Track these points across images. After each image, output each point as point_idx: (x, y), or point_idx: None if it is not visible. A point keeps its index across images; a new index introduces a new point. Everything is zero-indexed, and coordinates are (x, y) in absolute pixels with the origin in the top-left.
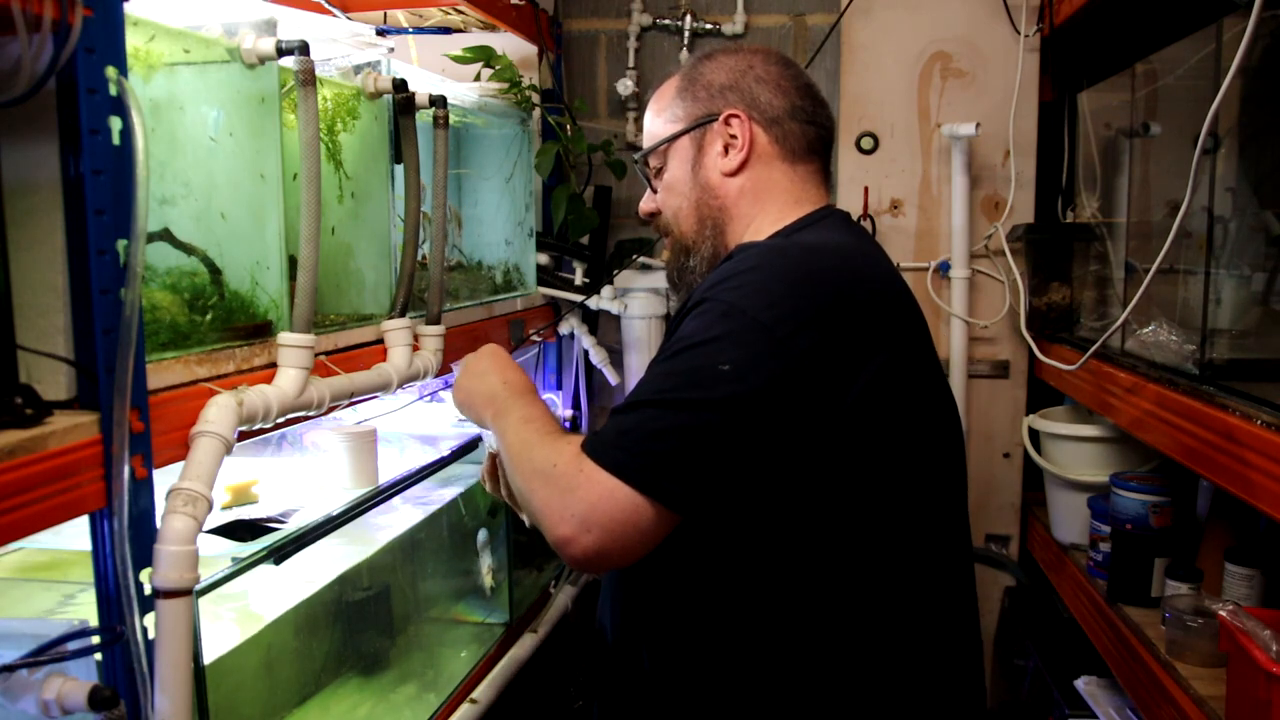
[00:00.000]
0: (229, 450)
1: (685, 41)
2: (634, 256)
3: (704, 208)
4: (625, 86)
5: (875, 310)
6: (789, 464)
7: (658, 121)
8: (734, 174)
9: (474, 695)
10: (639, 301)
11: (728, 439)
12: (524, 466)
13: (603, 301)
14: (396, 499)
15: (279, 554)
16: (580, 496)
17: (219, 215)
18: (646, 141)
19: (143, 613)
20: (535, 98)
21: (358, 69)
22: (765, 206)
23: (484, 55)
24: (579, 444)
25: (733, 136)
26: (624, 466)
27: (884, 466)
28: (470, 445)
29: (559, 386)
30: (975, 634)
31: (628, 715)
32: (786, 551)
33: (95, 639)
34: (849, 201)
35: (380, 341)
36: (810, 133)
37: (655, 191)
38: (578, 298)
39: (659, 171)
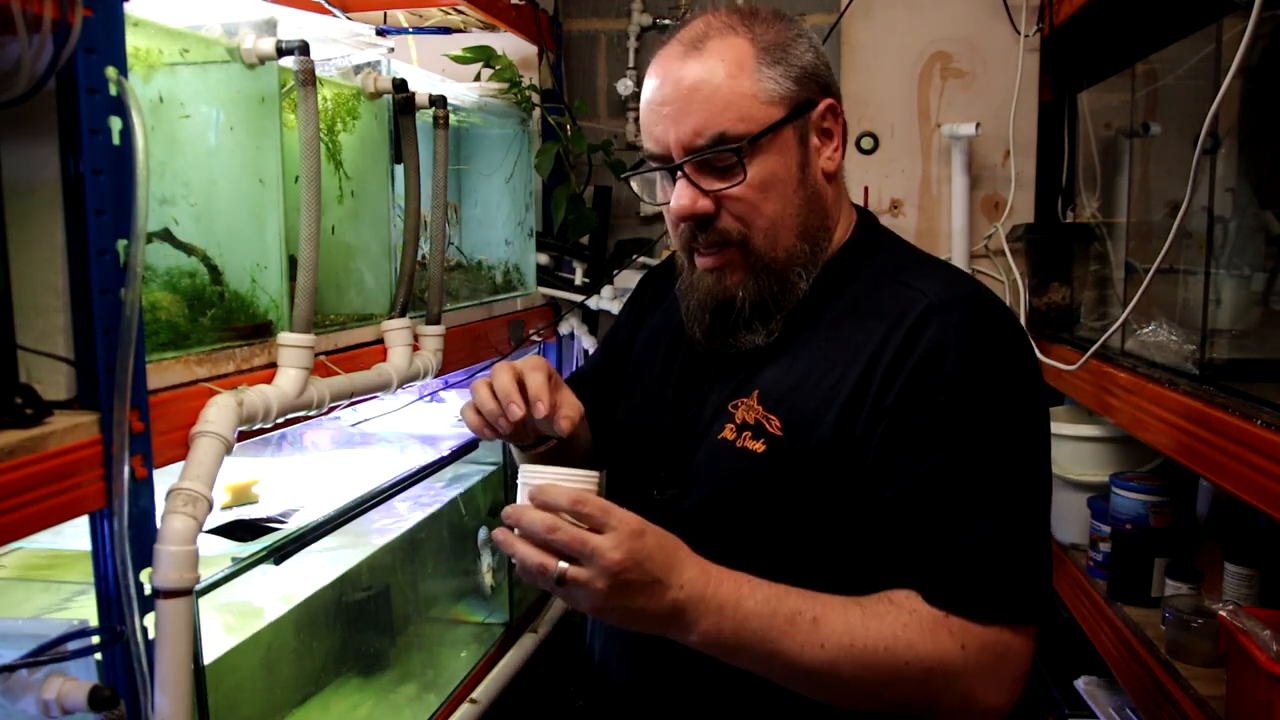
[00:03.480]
0: (229, 450)
1: None
2: (634, 256)
3: (811, 218)
4: (625, 86)
5: None
6: None
7: (742, 93)
8: (832, 177)
9: (474, 695)
10: None
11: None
12: (886, 671)
13: (603, 301)
14: (396, 499)
15: (279, 554)
16: (1010, 660)
17: (216, 211)
18: (721, 113)
19: (143, 613)
20: (535, 98)
21: (358, 69)
22: (842, 218)
23: (484, 55)
24: (921, 614)
25: (826, 131)
26: (1018, 610)
27: None
28: (470, 445)
29: None
30: None
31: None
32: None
33: (95, 639)
34: None
35: (380, 341)
36: None
37: (701, 187)
38: (578, 298)
39: (734, 166)
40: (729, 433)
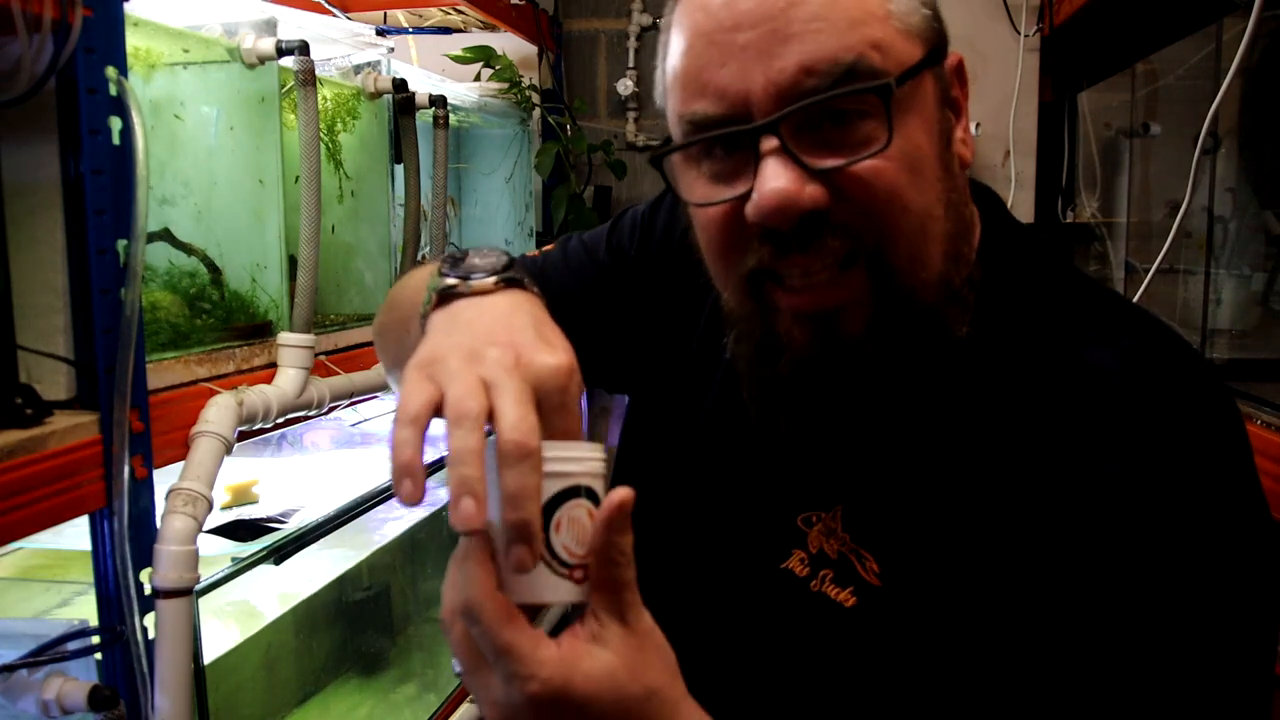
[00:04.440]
0: (229, 450)
1: None
2: None
3: (956, 227)
4: (625, 86)
5: None
6: None
7: (873, 10)
8: (965, 168)
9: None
10: None
11: None
12: None
13: None
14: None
15: (279, 554)
16: None
17: (216, 211)
18: (847, 34)
19: (143, 613)
20: (535, 98)
21: (358, 69)
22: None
23: (484, 55)
24: None
25: (954, 103)
26: None
27: None
28: None
29: None
30: None
31: None
32: None
33: (95, 639)
34: None
35: None
36: None
37: (806, 164)
38: None
39: (867, 123)
40: (797, 565)
